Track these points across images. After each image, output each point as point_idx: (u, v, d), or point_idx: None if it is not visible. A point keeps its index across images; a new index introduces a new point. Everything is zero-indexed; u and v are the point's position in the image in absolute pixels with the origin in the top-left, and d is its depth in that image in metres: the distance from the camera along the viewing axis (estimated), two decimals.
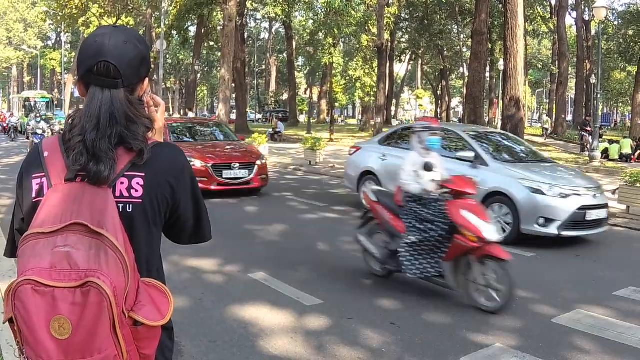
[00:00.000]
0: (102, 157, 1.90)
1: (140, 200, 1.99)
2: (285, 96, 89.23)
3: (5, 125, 46.43)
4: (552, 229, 10.51)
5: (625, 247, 11.33)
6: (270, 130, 44.37)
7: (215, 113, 38.84)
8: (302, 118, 70.54)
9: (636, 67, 53.52)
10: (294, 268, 8.80)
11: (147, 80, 2.13)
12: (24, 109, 55.48)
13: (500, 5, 42.01)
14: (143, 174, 1.99)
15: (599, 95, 31.81)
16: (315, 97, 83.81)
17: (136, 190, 1.98)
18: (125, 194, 1.96)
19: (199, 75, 74.26)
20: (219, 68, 43.87)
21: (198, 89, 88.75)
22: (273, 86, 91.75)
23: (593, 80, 51.23)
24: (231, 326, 6.30)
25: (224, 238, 10.50)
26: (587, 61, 60.91)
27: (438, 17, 63.52)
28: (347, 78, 45.33)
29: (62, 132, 2.05)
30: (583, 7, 60.76)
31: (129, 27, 2.45)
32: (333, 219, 13.28)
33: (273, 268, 8.67)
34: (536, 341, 6.09)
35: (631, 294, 7.91)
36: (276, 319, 6.54)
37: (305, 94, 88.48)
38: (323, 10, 45.10)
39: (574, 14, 63.46)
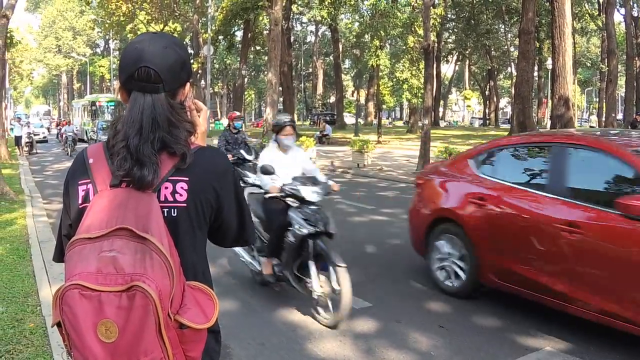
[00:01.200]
0: (145, 161, 1.92)
1: (185, 205, 2.00)
2: (332, 99, 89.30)
3: (61, 132, 40.61)
4: None
5: None
6: (318, 133, 44.42)
7: (263, 117, 39.00)
8: (350, 120, 70.60)
9: None
10: None
11: (188, 84, 2.14)
12: (88, 114, 49.82)
13: (548, 4, 41.61)
14: (187, 178, 2.00)
15: None
16: (362, 100, 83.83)
17: (180, 195, 2.00)
18: (170, 198, 1.99)
19: (246, 80, 74.81)
20: (265, 72, 44.10)
21: (245, 93, 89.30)
22: (320, 89, 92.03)
23: None
24: (280, 329, 6.32)
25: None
26: (637, 58, 59.90)
27: (485, 16, 63.16)
28: (394, 80, 45.09)
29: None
30: (632, 3, 59.77)
31: (168, 33, 2.47)
32: (382, 221, 13.23)
33: None
34: (586, 344, 6.00)
35: None
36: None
37: (353, 96, 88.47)
38: (369, 12, 45.09)
39: (623, 11, 62.49)
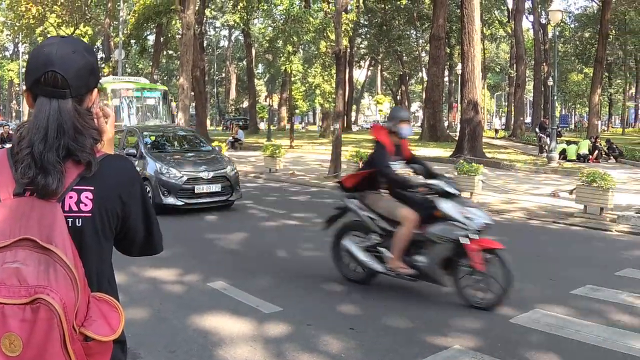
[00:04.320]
0: (50, 169, 1.89)
1: (90, 215, 1.98)
2: (245, 104, 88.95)
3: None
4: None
5: (583, 246, 11.49)
6: (231, 138, 44.20)
7: (175, 122, 38.53)
8: (263, 125, 70.46)
9: (592, 69, 54.24)
10: (253, 276, 8.79)
11: (95, 90, 2.12)
12: None
13: (458, 10, 42.38)
14: (92, 188, 1.98)
15: (556, 97, 32.22)
16: (275, 105, 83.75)
17: (85, 205, 1.97)
18: (75, 208, 1.96)
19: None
20: (178, 77, 43.71)
21: None
22: (233, 94, 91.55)
23: (550, 82, 51.84)
24: (190, 336, 6.27)
25: (183, 248, 10.48)
26: (544, 64, 61.72)
27: (397, 22, 63.84)
28: (307, 85, 45.25)
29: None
30: (540, 11, 61.55)
31: (78, 37, 2.44)
32: (293, 225, 13.29)
33: (232, 277, 8.65)
34: (494, 341, 6.15)
35: (588, 292, 8.03)
36: (236, 327, 6.51)
37: (266, 101, 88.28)
38: (282, 17, 45.10)
39: (531, 18, 64.36)
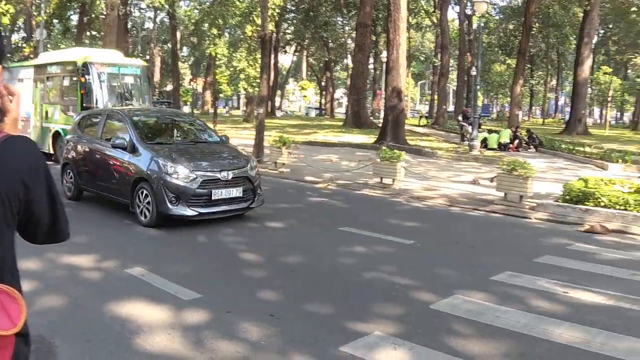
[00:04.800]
0: None
1: None
2: (169, 87, 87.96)
3: None
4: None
5: (503, 233, 11.66)
6: None
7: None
8: (187, 109, 69.83)
9: (515, 60, 55.31)
10: (172, 262, 8.69)
11: (0, 67, 2.01)
12: None
13: None
14: None
15: (478, 87, 32.70)
16: (199, 88, 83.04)
17: None
18: None
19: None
20: None
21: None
22: (157, 77, 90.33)
23: (474, 72, 52.61)
24: (107, 324, 6.12)
25: (100, 234, 10.35)
26: (468, 54, 62.66)
27: (323, 9, 64.00)
28: (232, 69, 45.02)
29: None
30: (465, 2, 62.37)
31: None
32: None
33: (151, 263, 8.52)
34: (415, 327, 6.18)
35: (507, 278, 8.15)
36: (154, 314, 6.40)
37: (190, 84, 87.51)
38: (208, 0, 44.72)
39: (457, 8, 65.23)
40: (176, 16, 64.47)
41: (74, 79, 20.86)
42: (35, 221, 2.08)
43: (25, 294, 5.95)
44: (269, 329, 6.09)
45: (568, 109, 62.46)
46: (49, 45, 70.77)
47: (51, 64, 23.09)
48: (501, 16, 72.15)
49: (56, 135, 21.27)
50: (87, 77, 20.24)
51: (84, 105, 19.90)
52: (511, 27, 68.71)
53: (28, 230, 2.11)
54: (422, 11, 65.83)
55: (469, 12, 62.84)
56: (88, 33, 60.46)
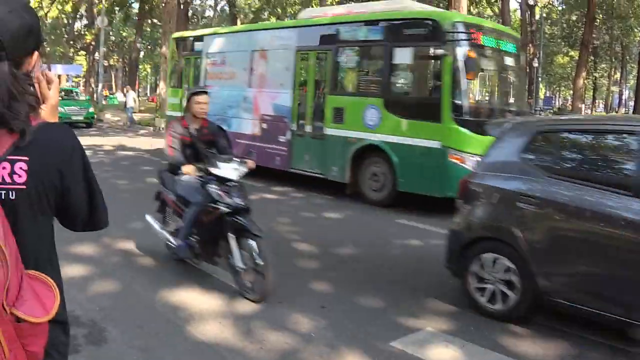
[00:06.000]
0: None
1: (24, 187, 1.85)
2: None
3: None
4: None
5: None
6: None
7: (157, 92, 38.34)
8: None
9: (578, 52, 54.32)
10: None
11: (36, 53, 1.97)
12: None
13: None
14: (27, 158, 1.85)
15: (540, 79, 32.21)
16: None
17: (19, 176, 1.84)
18: (8, 179, 1.83)
19: (142, 53, 73.29)
20: (162, 45, 43.30)
21: (141, 67, 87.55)
22: None
23: (535, 64, 51.94)
24: (159, 311, 6.18)
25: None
26: (530, 45, 61.63)
27: None
28: None
29: None
30: None
31: None
32: (271, 199, 13.23)
33: None
34: (467, 325, 6.10)
35: None
36: (206, 303, 6.44)
37: None
38: None
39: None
40: (236, 4, 64.91)
41: (430, 52, 12.55)
42: (73, 210, 2.07)
43: (79, 279, 6.03)
44: (320, 321, 6.07)
45: (632, 103, 61.12)
46: (110, 33, 72.03)
47: (355, 24, 13.74)
48: (564, 7, 70.87)
49: (361, 154, 13.20)
50: (458, 50, 11.66)
51: (457, 102, 11.70)
52: (574, 18, 67.42)
53: (67, 218, 2.10)
54: (484, 1, 65.11)
55: (531, 2, 61.89)
56: (149, 21, 61.16)
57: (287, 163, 14.83)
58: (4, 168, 1.83)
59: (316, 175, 14.14)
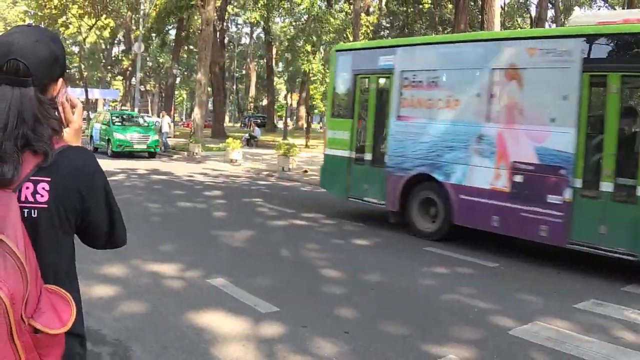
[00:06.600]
0: (6, 158, 1.86)
1: (46, 206, 1.94)
2: (265, 102, 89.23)
3: None
4: None
5: (590, 260, 11.32)
6: (247, 135, 44.32)
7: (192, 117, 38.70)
8: (280, 124, 70.68)
9: None
10: (255, 274, 8.75)
11: (61, 80, 2.09)
12: None
13: (479, 15, 42.34)
14: (49, 179, 1.94)
15: None
16: (294, 104, 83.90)
17: (42, 196, 1.93)
18: (30, 198, 1.92)
19: (178, 79, 74.05)
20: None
21: (177, 92, 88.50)
22: (253, 91, 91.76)
23: None
24: (185, 332, 6.24)
25: (187, 243, 10.46)
26: None
27: (418, 26, 63.69)
28: (326, 85, 45.28)
29: None
30: (562, 20, 61.15)
31: (43, 27, 2.39)
32: (300, 225, 13.25)
33: (233, 274, 8.62)
34: (490, 353, 6.08)
35: (592, 306, 7.91)
36: (230, 325, 6.48)
37: (285, 100, 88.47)
38: (303, 16, 45.20)
39: (553, 26, 63.92)
40: (271, 32, 65.42)
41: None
42: (93, 229, 2.15)
43: (108, 299, 6.17)
44: (343, 346, 6.08)
45: None
46: (147, 59, 72.90)
47: None
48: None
49: None
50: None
51: None
52: None
53: (87, 237, 2.18)
54: (518, 29, 65.00)
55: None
56: (185, 47, 61.85)
57: (563, 234, 10.15)
58: (27, 188, 1.91)
59: (626, 257, 9.45)
